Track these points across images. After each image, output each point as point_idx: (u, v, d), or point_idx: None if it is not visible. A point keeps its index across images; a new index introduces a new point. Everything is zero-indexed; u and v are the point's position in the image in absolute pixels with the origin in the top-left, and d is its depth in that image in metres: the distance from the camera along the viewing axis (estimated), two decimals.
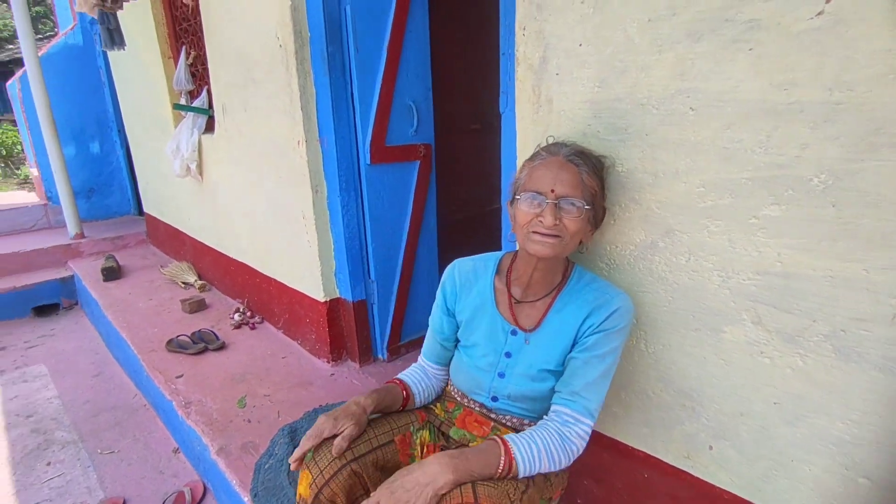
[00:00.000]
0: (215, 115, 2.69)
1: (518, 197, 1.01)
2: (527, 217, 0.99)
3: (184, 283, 3.45)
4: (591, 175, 0.99)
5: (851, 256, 0.83)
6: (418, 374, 1.24)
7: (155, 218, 4.21)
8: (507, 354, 1.09)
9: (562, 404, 1.00)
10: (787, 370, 0.95)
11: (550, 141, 1.09)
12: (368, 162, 2.02)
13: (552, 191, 0.96)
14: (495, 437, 0.97)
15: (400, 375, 1.24)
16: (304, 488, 1.00)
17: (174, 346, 2.51)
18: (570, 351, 1.03)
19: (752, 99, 0.89)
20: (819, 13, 0.79)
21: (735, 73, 0.90)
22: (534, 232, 0.98)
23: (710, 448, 1.09)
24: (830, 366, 0.89)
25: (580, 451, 1.00)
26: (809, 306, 0.89)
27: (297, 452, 1.02)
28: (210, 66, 2.60)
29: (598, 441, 1.31)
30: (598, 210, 1.03)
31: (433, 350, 1.24)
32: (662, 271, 1.09)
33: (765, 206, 0.91)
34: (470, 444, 1.11)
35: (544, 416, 1.03)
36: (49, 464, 2.07)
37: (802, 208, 0.86)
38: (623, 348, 1.05)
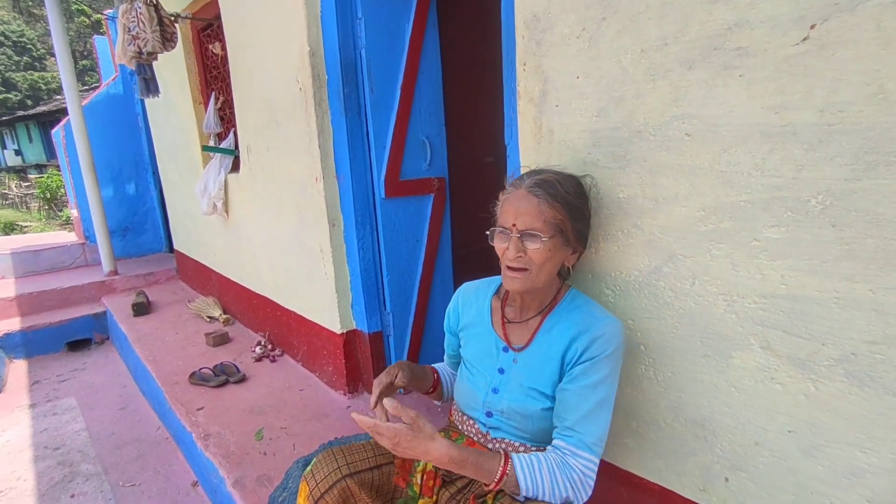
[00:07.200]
0: (241, 155, 2.82)
1: (488, 232, 1.06)
2: (499, 250, 1.03)
3: (209, 317, 3.54)
4: (551, 204, 0.98)
5: (856, 277, 0.81)
6: (445, 367, 1.37)
7: (184, 254, 4.37)
8: (500, 371, 1.10)
9: (559, 438, 0.99)
10: (800, 397, 0.92)
11: (524, 171, 1.12)
12: (383, 196, 2.08)
13: (514, 225, 0.99)
14: (499, 451, 0.98)
15: (434, 365, 1.35)
16: (302, 500, 1.02)
17: (196, 378, 2.56)
18: (559, 376, 1.02)
19: (746, 123, 0.90)
20: (804, 38, 0.80)
21: (728, 99, 0.91)
22: (506, 267, 1.02)
23: (727, 480, 1.05)
24: (844, 391, 0.86)
25: (585, 486, 0.96)
26: (818, 329, 0.87)
27: (372, 399, 1.07)
28: (236, 109, 2.75)
29: (611, 474, 1.27)
30: (568, 235, 1.01)
31: (447, 361, 1.37)
32: (668, 297, 1.08)
33: (765, 228, 0.90)
34: None
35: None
36: (73, 496, 2.11)
37: (803, 229, 0.86)
38: (631, 379, 1.03)
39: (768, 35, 0.84)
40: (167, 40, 2.44)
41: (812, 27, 0.80)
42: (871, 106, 0.76)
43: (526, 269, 1.00)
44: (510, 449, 1.09)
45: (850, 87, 0.78)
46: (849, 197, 0.80)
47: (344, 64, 1.96)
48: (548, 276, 1.03)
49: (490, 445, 1.11)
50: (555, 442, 1.00)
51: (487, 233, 1.07)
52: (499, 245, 1.04)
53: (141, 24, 2.34)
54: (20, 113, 23.15)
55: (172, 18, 2.53)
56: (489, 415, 1.10)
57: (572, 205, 1.02)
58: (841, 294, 0.84)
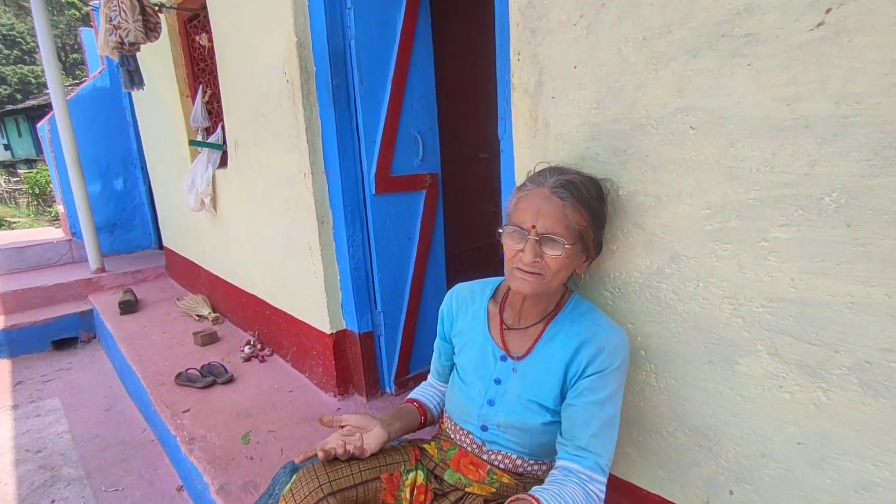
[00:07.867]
0: (228, 150, 2.75)
1: (501, 230, 0.98)
2: (511, 252, 0.95)
3: (198, 315, 3.46)
4: (576, 209, 0.92)
5: (872, 280, 0.76)
6: (430, 391, 1.27)
7: (173, 251, 4.29)
8: (497, 381, 1.04)
9: (571, 460, 0.92)
10: (809, 406, 0.87)
11: (543, 167, 1.04)
12: (374, 192, 2.02)
13: (533, 227, 0.92)
14: (526, 496, 0.86)
15: (414, 395, 1.28)
16: None
17: (183, 379, 2.49)
18: (561, 389, 0.97)
19: (755, 115, 0.84)
20: (819, 24, 0.75)
21: (736, 89, 0.86)
22: (516, 268, 0.95)
23: (731, 493, 1.00)
24: (857, 401, 0.81)
25: None
26: (830, 335, 0.82)
27: (303, 456, 1.03)
28: (224, 103, 2.67)
29: (612, 485, 1.21)
30: (588, 243, 0.97)
31: (438, 371, 1.27)
32: (670, 299, 1.02)
33: (774, 227, 0.85)
34: (466, 489, 1.05)
35: (554, 472, 0.94)
36: (53, 501, 2.04)
37: (815, 229, 0.80)
38: (632, 386, 0.98)
39: (780, 20, 0.78)
40: (150, 30, 2.36)
41: (827, 11, 0.74)
42: (889, 97, 0.71)
43: (540, 274, 0.93)
44: (507, 462, 1.03)
45: (867, 77, 0.72)
46: (865, 194, 0.75)
47: (332, 55, 1.89)
48: (560, 282, 0.97)
49: (485, 457, 1.05)
50: (566, 464, 0.92)
51: (500, 230, 0.99)
52: (512, 246, 0.95)
53: (123, 14, 2.26)
54: (9, 107, 22.84)
55: (156, 8, 2.45)
56: (484, 428, 1.04)
57: (595, 211, 0.96)
58: (855, 298, 0.79)
